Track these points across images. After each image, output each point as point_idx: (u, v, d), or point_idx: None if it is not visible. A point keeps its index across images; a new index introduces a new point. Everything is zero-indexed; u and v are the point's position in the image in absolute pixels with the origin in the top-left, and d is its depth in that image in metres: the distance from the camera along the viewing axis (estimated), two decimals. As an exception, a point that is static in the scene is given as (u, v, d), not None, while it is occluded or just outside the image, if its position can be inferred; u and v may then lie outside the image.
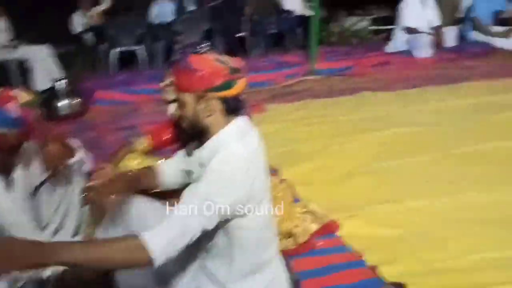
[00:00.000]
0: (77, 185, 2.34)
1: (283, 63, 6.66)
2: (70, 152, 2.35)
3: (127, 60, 7.20)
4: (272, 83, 5.98)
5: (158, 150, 2.68)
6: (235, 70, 1.71)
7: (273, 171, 3.14)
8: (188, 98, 1.74)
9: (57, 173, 2.29)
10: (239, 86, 1.72)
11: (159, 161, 2.14)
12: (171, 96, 2.47)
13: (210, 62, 1.71)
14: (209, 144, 1.75)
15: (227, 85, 1.70)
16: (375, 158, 3.65)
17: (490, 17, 7.15)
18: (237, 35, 7.72)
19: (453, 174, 3.29)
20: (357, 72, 6.28)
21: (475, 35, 7.08)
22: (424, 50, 6.60)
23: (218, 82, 1.69)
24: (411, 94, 5.19)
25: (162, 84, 2.60)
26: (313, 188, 3.16)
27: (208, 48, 2.43)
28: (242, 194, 1.67)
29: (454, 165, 3.45)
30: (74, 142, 2.45)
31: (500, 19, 7.19)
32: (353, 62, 6.54)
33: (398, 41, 6.93)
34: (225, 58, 1.75)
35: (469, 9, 7.17)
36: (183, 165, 1.94)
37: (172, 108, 2.55)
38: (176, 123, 2.45)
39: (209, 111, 1.72)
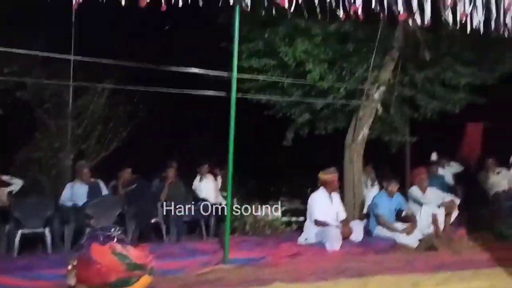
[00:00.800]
0: None
1: (196, 251, 6.57)
2: None
3: (32, 243, 6.84)
4: (185, 271, 5.81)
5: None
6: (136, 266, 1.66)
7: None
8: None
9: None
10: (139, 284, 1.65)
11: None
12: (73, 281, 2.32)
13: (110, 256, 1.65)
14: None
15: (124, 283, 1.63)
16: None
17: (392, 214, 7.64)
18: (151, 220, 7.68)
19: None
20: (270, 263, 6.26)
21: (379, 230, 7.46)
22: (333, 243, 6.80)
23: (113, 278, 1.62)
24: (323, 287, 5.20)
25: (68, 268, 2.46)
26: None
27: (118, 234, 2.37)
28: None
29: None
30: None
31: (401, 216, 7.71)
32: (266, 252, 6.56)
33: (309, 233, 7.13)
34: (130, 251, 1.70)
35: (373, 206, 7.65)
36: None
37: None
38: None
39: None
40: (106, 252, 1.64)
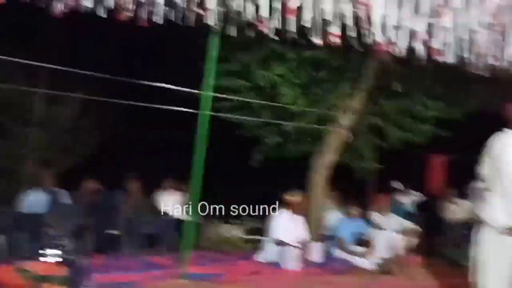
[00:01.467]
0: None
1: (152, 264, 6.52)
2: None
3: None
4: (138, 285, 5.72)
5: None
6: (43, 279, 1.66)
7: None
8: None
9: None
10: None
11: None
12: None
13: (13, 274, 1.64)
14: None
15: None
16: None
17: (352, 237, 7.72)
18: (111, 232, 7.60)
19: None
20: (228, 279, 6.23)
21: (338, 253, 7.53)
22: (292, 263, 6.83)
23: None
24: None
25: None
26: None
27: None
28: None
29: None
30: None
31: (360, 240, 7.79)
32: (225, 268, 6.55)
33: (269, 252, 7.15)
34: (35, 265, 1.69)
35: (334, 229, 7.73)
36: None
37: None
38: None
39: None
40: (9, 271, 1.62)
